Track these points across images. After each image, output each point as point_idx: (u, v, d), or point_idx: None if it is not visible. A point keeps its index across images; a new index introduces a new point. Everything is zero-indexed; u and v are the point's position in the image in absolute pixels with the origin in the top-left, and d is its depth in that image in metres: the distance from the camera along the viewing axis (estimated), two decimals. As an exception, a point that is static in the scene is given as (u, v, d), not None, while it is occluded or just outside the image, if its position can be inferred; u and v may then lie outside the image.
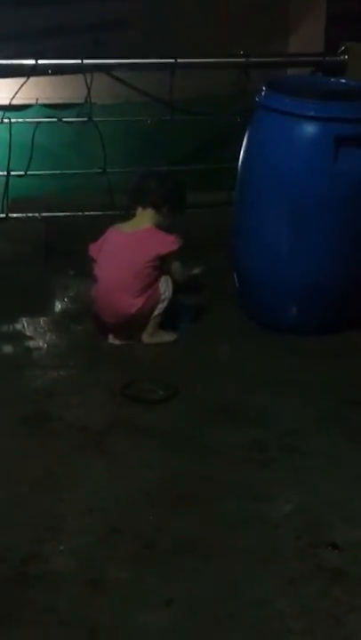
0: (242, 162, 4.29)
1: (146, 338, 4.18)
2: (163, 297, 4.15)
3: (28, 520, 3.02)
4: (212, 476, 3.27)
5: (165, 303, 4.16)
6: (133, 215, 4.27)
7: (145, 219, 4.21)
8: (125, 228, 4.24)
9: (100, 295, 4.15)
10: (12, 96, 4.93)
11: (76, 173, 5.26)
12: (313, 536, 2.97)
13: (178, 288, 4.23)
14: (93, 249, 4.24)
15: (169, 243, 4.15)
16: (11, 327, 4.30)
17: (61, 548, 2.91)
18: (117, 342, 4.18)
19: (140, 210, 4.24)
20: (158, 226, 4.20)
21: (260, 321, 4.32)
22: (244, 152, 4.28)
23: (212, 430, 3.56)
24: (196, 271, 4.44)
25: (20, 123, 5.06)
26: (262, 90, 4.21)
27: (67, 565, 2.84)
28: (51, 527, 2.99)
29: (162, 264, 4.15)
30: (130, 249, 4.13)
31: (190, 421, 3.62)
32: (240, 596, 2.73)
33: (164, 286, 4.15)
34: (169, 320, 4.24)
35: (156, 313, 4.15)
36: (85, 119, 4.98)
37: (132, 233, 4.18)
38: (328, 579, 2.80)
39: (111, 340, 4.19)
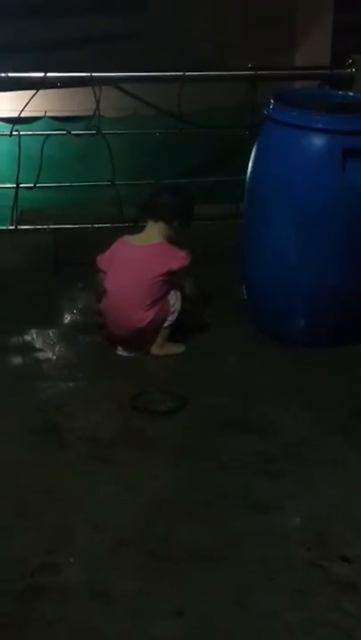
0: (250, 174, 4.31)
1: (155, 350, 4.20)
2: (172, 309, 4.16)
3: (38, 531, 3.03)
4: (221, 488, 3.27)
5: (174, 315, 4.18)
6: (143, 227, 4.29)
7: (155, 232, 4.23)
8: (136, 240, 4.26)
9: (111, 308, 4.17)
10: (21, 109, 4.95)
11: (85, 185, 5.28)
12: (323, 548, 2.97)
13: (187, 300, 4.25)
14: (102, 260, 4.25)
15: (180, 258, 4.17)
16: (20, 339, 4.32)
17: (71, 559, 2.91)
18: (126, 354, 4.20)
19: (150, 223, 4.25)
20: (169, 239, 4.22)
21: (268, 332, 4.33)
22: (253, 164, 4.29)
23: (220, 441, 3.56)
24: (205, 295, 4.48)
25: (29, 135, 5.09)
26: (270, 102, 4.22)
27: (76, 576, 2.84)
28: (60, 538, 3.00)
29: (172, 278, 4.17)
30: (141, 263, 4.15)
31: (199, 432, 3.63)
32: (249, 607, 2.74)
33: (174, 299, 4.17)
34: (178, 332, 4.25)
35: (165, 325, 4.17)
36: (94, 132, 5.00)
37: (143, 247, 4.20)
38: (338, 591, 2.80)
39: (120, 351, 4.20)
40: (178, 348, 4.24)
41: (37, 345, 4.30)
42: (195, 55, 5.42)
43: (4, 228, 5.08)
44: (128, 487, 3.27)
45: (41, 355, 4.22)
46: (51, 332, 4.41)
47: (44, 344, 4.31)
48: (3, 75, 4.86)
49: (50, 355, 4.22)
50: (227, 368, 4.15)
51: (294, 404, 3.83)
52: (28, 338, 4.34)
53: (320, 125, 4.06)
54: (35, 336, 4.36)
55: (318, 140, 4.06)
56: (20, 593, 2.77)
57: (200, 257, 4.26)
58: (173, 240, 4.23)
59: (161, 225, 4.22)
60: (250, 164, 4.31)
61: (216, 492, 3.25)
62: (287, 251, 4.18)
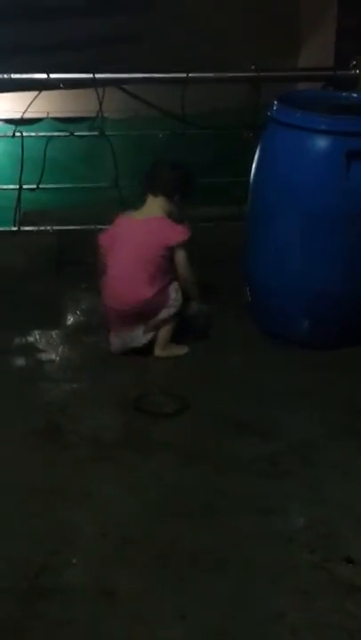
0: (254, 175, 4.30)
1: (158, 351, 4.19)
2: (171, 301, 4.14)
3: (42, 532, 3.03)
4: (225, 489, 3.27)
5: (173, 310, 4.14)
6: (144, 202, 4.25)
7: (156, 207, 4.20)
8: (136, 215, 4.24)
9: (110, 282, 4.14)
10: (23, 110, 4.95)
11: (88, 187, 5.28)
12: (327, 550, 2.96)
13: (184, 288, 4.20)
14: (103, 236, 4.23)
15: (179, 232, 4.13)
16: (23, 340, 4.32)
17: (75, 560, 2.91)
18: (118, 345, 4.16)
19: (150, 197, 4.22)
20: (169, 214, 4.19)
21: (272, 334, 4.33)
22: (256, 166, 4.29)
23: (224, 443, 3.56)
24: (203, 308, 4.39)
25: (32, 136, 5.09)
26: (274, 104, 4.22)
27: (81, 577, 2.84)
28: (64, 539, 2.99)
29: (171, 254, 4.13)
30: (140, 237, 4.12)
31: (203, 434, 3.62)
32: (254, 609, 2.73)
33: (174, 294, 4.15)
34: (180, 333, 4.24)
35: (161, 316, 4.12)
36: (97, 133, 5.00)
37: (141, 221, 4.18)
38: (342, 593, 2.79)
39: (113, 343, 4.17)
40: (181, 350, 4.24)
41: (40, 346, 4.30)
42: (198, 57, 5.41)
43: (7, 229, 5.08)
44: (132, 488, 3.26)
45: (44, 356, 4.21)
46: (54, 333, 4.41)
47: (47, 345, 4.30)
48: (5, 76, 4.87)
49: (53, 356, 4.22)
50: (230, 369, 4.14)
51: (298, 406, 3.82)
52: (31, 339, 4.34)
53: (324, 127, 4.06)
54: (38, 337, 4.35)
55: (322, 142, 4.05)
56: (24, 594, 2.77)
57: (203, 258, 4.25)
58: (174, 215, 4.20)
59: (161, 199, 4.20)
60: (253, 166, 4.30)
61: (220, 493, 3.25)
62: (291, 252, 4.17)
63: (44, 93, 4.97)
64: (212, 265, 4.52)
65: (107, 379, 4.03)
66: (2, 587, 2.79)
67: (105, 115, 5.02)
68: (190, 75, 4.95)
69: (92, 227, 5.01)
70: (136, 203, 4.30)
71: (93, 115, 5.00)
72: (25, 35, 5.99)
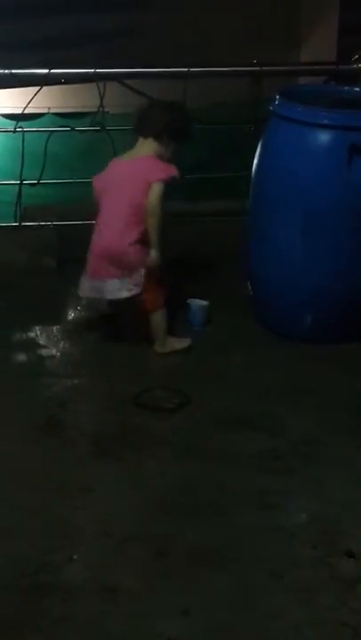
0: (255, 170, 4.28)
1: (158, 348, 4.14)
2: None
3: (42, 529, 3.01)
4: (227, 485, 3.25)
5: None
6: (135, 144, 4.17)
7: (145, 148, 4.10)
8: (125, 157, 4.18)
9: (98, 226, 4.09)
10: (24, 105, 4.93)
11: (89, 182, 5.26)
12: (329, 545, 2.95)
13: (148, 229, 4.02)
14: (96, 181, 4.18)
15: (160, 170, 4.00)
16: (24, 335, 4.30)
17: (75, 556, 2.89)
18: (87, 290, 4.07)
19: (141, 139, 4.12)
20: (159, 156, 4.08)
21: (274, 329, 4.31)
22: (258, 160, 4.27)
23: (225, 439, 3.54)
24: None
25: (33, 132, 5.08)
26: (276, 98, 4.20)
27: (81, 574, 2.82)
28: (65, 536, 2.98)
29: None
30: (126, 179, 4.04)
31: (204, 430, 3.61)
32: (256, 605, 2.71)
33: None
34: (181, 327, 4.21)
35: (132, 291, 4.00)
36: (98, 128, 4.98)
37: (130, 162, 4.10)
38: (344, 588, 2.77)
39: (83, 285, 4.08)
40: (182, 343, 4.15)
41: (41, 341, 4.28)
42: (199, 52, 5.40)
43: (8, 224, 5.07)
44: (133, 484, 3.25)
45: (45, 351, 4.20)
46: (54, 329, 4.39)
47: (47, 341, 4.29)
48: (6, 71, 4.85)
49: (54, 351, 4.20)
50: (231, 365, 4.12)
51: (300, 402, 3.81)
52: (31, 334, 4.32)
53: (326, 121, 4.04)
54: (38, 333, 4.34)
55: (324, 136, 4.04)
56: (25, 591, 2.75)
57: (205, 254, 4.23)
58: (165, 157, 4.08)
59: (150, 141, 4.09)
60: (255, 161, 4.29)
61: (221, 489, 3.23)
62: (293, 247, 4.16)
63: (45, 89, 4.95)
64: (212, 260, 4.50)
65: (107, 374, 4.02)
66: (2, 584, 2.77)
67: (106, 109, 4.99)
68: (191, 69, 4.92)
69: (93, 222, 5.00)
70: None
71: (94, 110, 4.98)
72: (26, 31, 5.98)
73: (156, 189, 3.97)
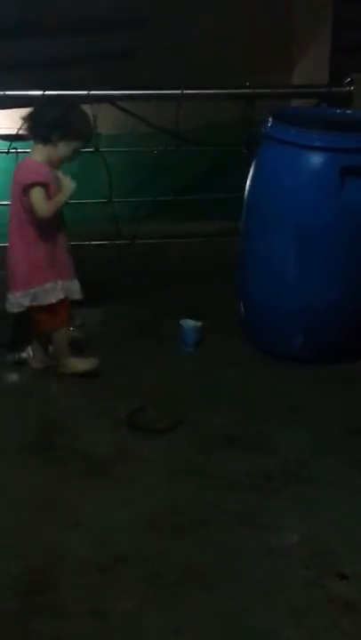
0: (248, 191, 4.30)
1: (59, 367, 4.04)
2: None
3: (33, 549, 3.00)
4: (218, 505, 3.24)
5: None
6: None
7: (34, 153, 3.93)
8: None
9: None
10: (18, 126, 4.94)
11: (81, 203, 5.27)
12: (321, 566, 2.94)
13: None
14: None
15: (33, 172, 3.80)
16: (16, 355, 4.29)
17: (66, 576, 2.88)
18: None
19: (34, 143, 3.92)
20: (49, 160, 3.86)
21: (265, 349, 4.32)
22: (251, 182, 4.29)
23: (217, 459, 3.54)
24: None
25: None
26: (268, 120, 4.23)
27: (72, 594, 2.81)
28: (55, 556, 2.96)
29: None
30: (12, 187, 3.92)
31: (195, 450, 3.60)
32: (247, 626, 2.70)
33: None
34: (170, 346, 4.20)
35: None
36: (92, 150, 4.99)
37: (15, 168, 3.97)
38: (337, 610, 2.76)
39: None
40: (85, 365, 4.01)
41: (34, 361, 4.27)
42: (193, 73, 5.42)
43: (2, 245, 5.06)
44: (125, 504, 3.24)
45: (37, 371, 4.19)
46: (47, 349, 4.38)
47: (39, 360, 4.28)
48: (0, 93, 4.86)
49: (45, 371, 4.19)
50: (223, 385, 4.13)
51: (293, 422, 3.81)
52: (23, 354, 4.30)
53: (318, 143, 4.06)
54: (30, 352, 4.32)
55: (316, 158, 4.05)
56: (15, 611, 2.73)
57: (197, 273, 4.24)
58: (57, 160, 3.88)
59: (39, 144, 3.86)
60: (248, 182, 4.31)
61: (214, 509, 3.22)
62: (285, 268, 4.17)
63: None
64: (204, 281, 4.50)
65: (99, 394, 4.01)
66: (-8, 604, 2.77)
67: (100, 131, 5.01)
68: (185, 91, 4.95)
69: (86, 243, 5.01)
70: (129, 218, 4.27)
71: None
72: (20, 51, 6.00)
73: (35, 194, 3.81)
